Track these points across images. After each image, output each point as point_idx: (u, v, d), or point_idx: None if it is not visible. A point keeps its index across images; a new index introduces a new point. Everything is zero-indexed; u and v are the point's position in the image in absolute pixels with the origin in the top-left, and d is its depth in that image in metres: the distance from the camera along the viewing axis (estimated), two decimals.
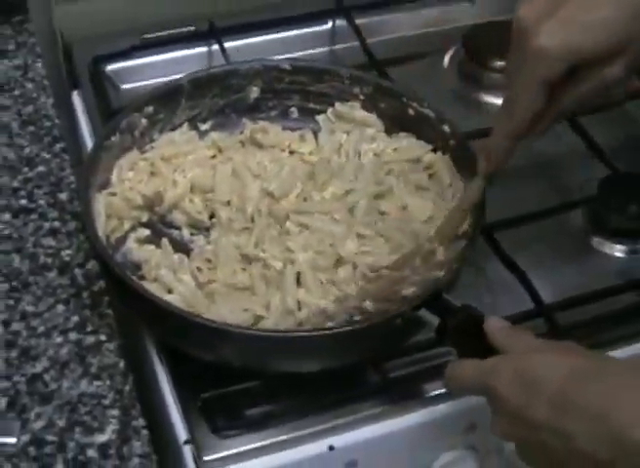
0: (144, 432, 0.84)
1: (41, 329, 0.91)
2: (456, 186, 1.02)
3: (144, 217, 1.01)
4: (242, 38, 1.29)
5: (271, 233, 0.98)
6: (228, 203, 1.01)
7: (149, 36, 1.28)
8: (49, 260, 0.97)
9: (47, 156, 1.07)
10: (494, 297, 1.02)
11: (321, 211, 1.00)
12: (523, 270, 1.02)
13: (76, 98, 1.24)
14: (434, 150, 1.05)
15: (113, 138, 1.01)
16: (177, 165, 1.04)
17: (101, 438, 0.84)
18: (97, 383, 0.88)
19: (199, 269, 0.95)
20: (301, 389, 0.93)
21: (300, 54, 1.28)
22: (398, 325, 0.88)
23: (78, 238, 0.99)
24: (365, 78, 1.10)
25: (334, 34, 1.34)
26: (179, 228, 1.02)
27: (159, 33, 1.28)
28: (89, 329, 0.92)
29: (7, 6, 1.24)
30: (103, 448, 0.83)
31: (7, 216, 1.01)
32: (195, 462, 0.88)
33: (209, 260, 0.97)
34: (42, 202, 1.03)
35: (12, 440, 0.83)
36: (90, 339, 0.91)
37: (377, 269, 0.94)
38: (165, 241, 0.98)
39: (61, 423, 0.85)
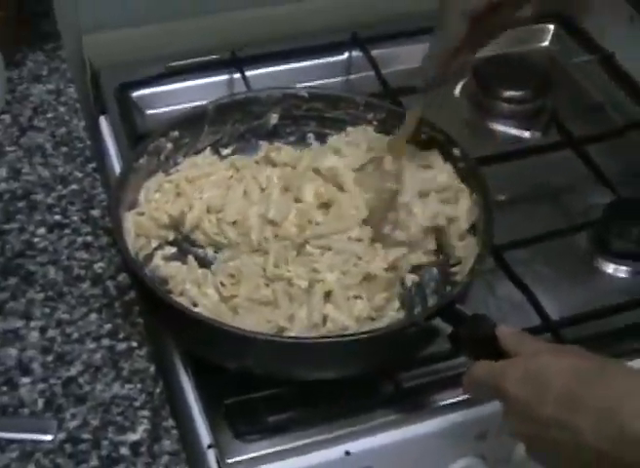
0: (174, 431, 0.88)
1: (75, 335, 0.95)
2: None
3: (170, 236, 1.06)
4: (262, 67, 1.34)
5: (291, 254, 1.02)
6: (234, 223, 1.06)
7: (174, 64, 1.32)
8: (82, 272, 1.01)
9: (79, 175, 1.11)
10: (503, 314, 1.04)
11: (337, 231, 1.04)
12: (530, 288, 1.06)
13: (104, 123, 1.28)
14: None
15: (141, 161, 1.05)
16: (199, 186, 1.08)
17: (133, 437, 0.88)
18: (128, 386, 0.92)
19: (222, 284, 1.00)
20: (320, 397, 0.96)
21: (318, 82, 1.33)
22: (413, 334, 0.91)
23: (110, 252, 1.03)
24: (378, 104, 1.15)
25: (349, 64, 1.38)
26: (202, 246, 1.06)
27: (183, 61, 1.33)
28: (121, 336, 0.96)
29: (41, 34, 1.29)
30: (135, 447, 0.87)
31: (42, 231, 1.05)
32: (218, 465, 0.92)
33: (232, 276, 1.01)
34: (75, 218, 1.07)
35: (48, 437, 0.87)
36: (122, 346, 0.95)
37: None
38: (191, 258, 1.03)
39: (95, 423, 0.89)
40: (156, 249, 1.04)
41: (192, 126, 1.10)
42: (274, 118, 1.14)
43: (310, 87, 1.19)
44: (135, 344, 0.95)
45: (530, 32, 1.43)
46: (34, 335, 0.95)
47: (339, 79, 1.38)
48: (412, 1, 1.40)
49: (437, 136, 1.09)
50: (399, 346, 0.94)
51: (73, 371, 0.92)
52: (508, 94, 1.31)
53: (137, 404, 0.90)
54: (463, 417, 0.98)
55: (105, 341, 0.95)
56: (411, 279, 1.03)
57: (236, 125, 1.13)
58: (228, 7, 1.36)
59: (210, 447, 0.93)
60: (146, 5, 1.33)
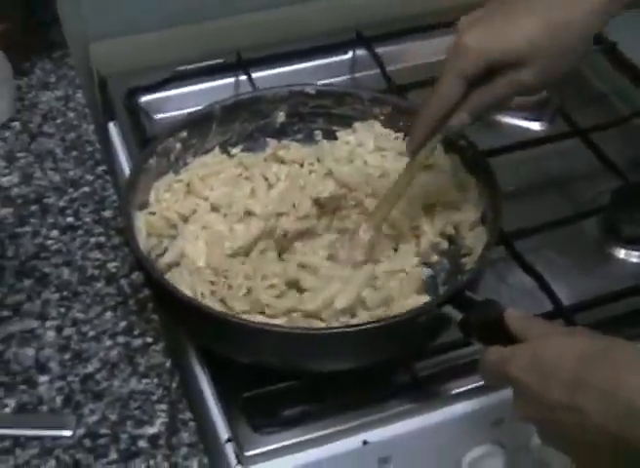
0: (192, 424, 0.89)
1: (91, 333, 0.97)
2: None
3: None
4: (268, 68, 1.35)
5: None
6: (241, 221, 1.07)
7: (180, 69, 1.33)
8: (96, 272, 1.02)
9: (90, 178, 1.13)
10: (514, 302, 1.03)
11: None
12: (541, 274, 1.06)
13: (112, 129, 1.30)
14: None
15: (150, 162, 1.06)
16: (208, 184, 1.09)
17: (151, 430, 0.89)
18: (145, 381, 0.93)
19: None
20: (336, 388, 0.97)
21: (324, 82, 1.32)
22: (424, 321, 0.92)
23: (122, 251, 1.04)
24: (384, 99, 1.16)
25: (355, 63, 1.40)
26: None
27: (190, 66, 1.34)
28: (136, 332, 0.97)
29: (48, 43, 1.31)
30: (154, 439, 0.88)
31: (55, 233, 1.06)
32: (237, 458, 0.92)
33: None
34: (87, 219, 1.08)
35: (68, 433, 0.88)
36: (137, 342, 0.96)
37: None
38: None
39: (114, 417, 0.89)
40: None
41: (200, 126, 1.11)
42: (281, 116, 1.15)
43: (316, 83, 1.19)
44: (150, 340, 0.96)
45: None
46: (50, 335, 0.96)
47: (344, 78, 1.39)
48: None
49: None
50: (412, 335, 0.94)
51: (90, 368, 0.93)
52: None
53: (154, 398, 0.91)
54: (479, 404, 0.98)
55: (121, 338, 0.96)
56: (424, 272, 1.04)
57: (244, 124, 1.14)
58: (232, 11, 1.37)
59: (228, 440, 0.93)
60: (150, 12, 1.35)
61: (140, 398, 0.91)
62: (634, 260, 1.13)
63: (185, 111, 1.21)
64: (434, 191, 1.08)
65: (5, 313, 0.98)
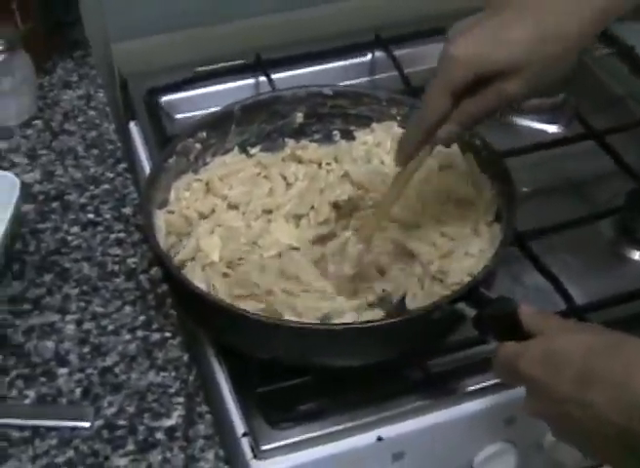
0: (208, 416, 0.90)
1: (110, 327, 0.98)
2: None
3: None
4: (287, 70, 1.36)
5: None
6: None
7: (201, 69, 1.35)
8: (116, 267, 1.04)
9: (111, 175, 1.15)
10: (529, 302, 1.05)
11: None
12: (555, 274, 1.07)
13: (133, 129, 1.31)
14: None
15: (170, 161, 1.07)
16: (227, 183, 1.11)
17: (168, 422, 0.90)
18: (163, 374, 0.94)
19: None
20: (350, 384, 0.98)
21: (342, 83, 1.33)
22: (438, 318, 0.93)
23: (142, 247, 1.06)
24: (401, 100, 1.17)
25: (373, 65, 1.41)
26: None
27: (210, 66, 1.36)
28: (154, 326, 0.98)
29: (70, 43, 1.33)
30: (171, 431, 0.89)
31: (76, 229, 1.08)
32: (253, 452, 0.94)
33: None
34: (108, 216, 1.10)
35: (86, 424, 0.90)
36: (155, 336, 0.97)
37: None
38: None
39: (131, 409, 0.91)
40: None
41: (219, 126, 1.13)
42: (299, 117, 1.17)
43: (334, 84, 1.20)
44: (168, 334, 0.98)
45: None
46: (70, 328, 0.98)
47: (363, 79, 1.40)
48: (432, 2, 1.43)
49: None
50: (426, 331, 0.96)
51: (109, 362, 0.95)
52: None
53: (171, 391, 0.93)
54: (492, 402, 0.99)
55: (140, 332, 0.98)
56: None
57: (262, 125, 1.16)
58: (252, 12, 1.39)
59: (245, 435, 0.94)
60: (172, 12, 1.36)
61: (157, 391, 0.93)
62: None
63: (205, 111, 1.22)
64: (451, 190, 1.09)
65: (26, 306, 1.00)
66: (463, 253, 1.03)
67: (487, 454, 1.02)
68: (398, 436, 0.97)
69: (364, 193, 1.09)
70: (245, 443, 0.94)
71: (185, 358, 0.95)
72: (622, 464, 0.77)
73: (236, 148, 1.14)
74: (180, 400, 0.92)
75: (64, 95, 1.25)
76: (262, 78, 1.34)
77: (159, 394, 0.92)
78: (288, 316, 0.96)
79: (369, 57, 1.41)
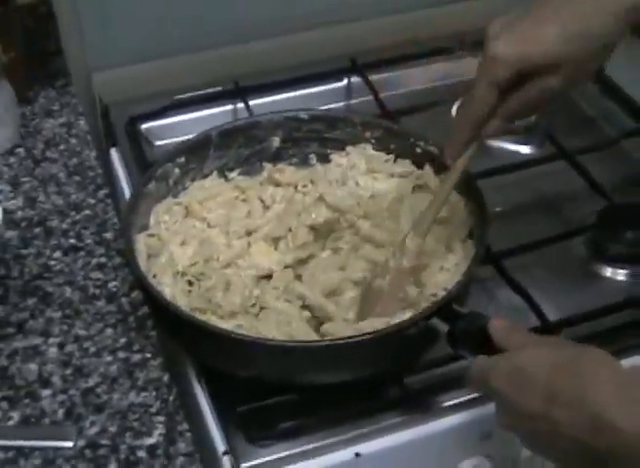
0: (188, 434, 0.92)
1: (92, 349, 1.00)
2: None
3: None
4: (265, 96, 1.38)
5: None
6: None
7: (180, 97, 1.37)
8: (97, 291, 1.06)
9: (92, 201, 1.17)
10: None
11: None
12: (528, 291, 1.09)
13: (114, 155, 1.33)
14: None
15: (150, 186, 1.09)
16: (206, 207, 1.13)
17: (150, 440, 0.92)
18: (144, 394, 0.96)
19: None
20: (328, 402, 0.99)
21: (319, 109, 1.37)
22: (413, 334, 0.94)
23: (123, 271, 1.08)
24: (375, 123, 1.19)
25: (349, 90, 1.43)
26: None
27: (189, 94, 1.38)
28: (135, 348, 1.00)
29: (51, 72, 1.35)
30: (152, 450, 0.91)
31: (58, 254, 1.10)
32: None
33: None
34: (89, 241, 1.12)
35: (69, 444, 0.91)
36: (136, 357, 0.99)
37: None
38: None
39: (113, 429, 0.93)
40: None
41: (198, 152, 1.15)
42: (276, 141, 1.19)
43: (309, 109, 1.21)
44: (149, 355, 0.99)
45: None
46: (53, 351, 1.00)
47: (340, 104, 1.43)
48: (407, 28, 1.45)
49: (431, 149, 1.14)
50: (402, 347, 0.97)
51: (91, 383, 0.97)
52: None
53: (152, 410, 0.94)
54: (468, 417, 1.01)
55: (121, 354, 0.99)
56: None
57: (240, 149, 1.18)
58: (230, 40, 1.41)
59: (225, 453, 0.96)
60: (150, 42, 1.38)
61: (138, 410, 0.94)
62: (620, 278, 1.16)
63: (185, 138, 1.23)
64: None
65: (10, 330, 1.01)
66: (439, 267, 1.05)
67: None
68: (376, 452, 0.98)
69: (339, 215, 1.11)
70: (226, 461, 0.96)
71: (166, 378, 0.97)
72: None
73: (215, 173, 1.16)
74: (161, 419, 0.93)
75: (46, 123, 1.27)
76: (240, 105, 1.37)
77: (140, 413, 0.94)
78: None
79: (345, 82, 1.43)
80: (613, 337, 1.06)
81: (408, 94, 1.43)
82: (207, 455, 0.96)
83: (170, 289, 1.02)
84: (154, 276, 1.03)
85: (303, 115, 1.18)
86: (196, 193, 1.14)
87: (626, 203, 1.22)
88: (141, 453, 0.91)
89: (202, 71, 1.40)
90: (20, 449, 0.91)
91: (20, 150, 1.24)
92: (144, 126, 1.36)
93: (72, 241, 1.11)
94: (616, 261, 1.17)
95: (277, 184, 1.16)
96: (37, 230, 1.13)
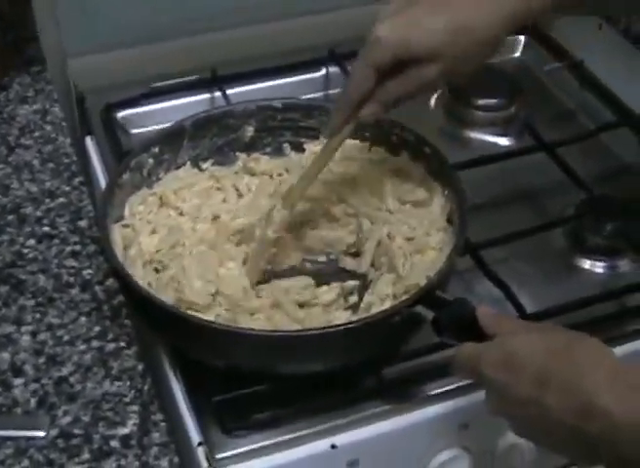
0: (163, 424, 0.91)
1: (66, 338, 0.99)
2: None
3: None
4: (242, 85, 1.37)
5: None
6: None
7: (157, 85, 1.36)
8: (71, 279, 1.05)
9: (67, 188, 1.15)
10: None
11: None
12: (506, 283, 1.09)
13: (90, 143, 1.32)
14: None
15: (125, 177, 1.08)
16: (181, 196, 1.12)
17: (123, 430, 0.91)
18: (118, 384, 0.95)
19: None
20: (305, 392, 0.98)
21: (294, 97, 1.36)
22: (396, 322, 0.94)
23: (97, 259, 1.07)
24: None
25: (327, 80, 1.42)
26: None
27: (166, 82, 1.36)
28: (109, 337, 0.99)
29: (26, 58, 1.33)
30: (125, 440, 0.90)
31: (32, 242, 1.08)
32: (208, 460, 0.94)
33: None
34: (63, 229, 1.10)
35: (41, 433, 0.90)
36: (110, 346, 0.98)
37: None
38: None
39: (87, 419, 0.91)
40: None
41: (172, 142, 1.14)
42: (250, 130, 1.18)
43: (283, 97, 1.20)
44: (123, 344, 0.98)
45: None
46: (26, 339, 0.98)
47: (318, 94, 1.41)
48: None
49: (407, 136, 1.13)
50: (385, 335, 0.97)
51: (64, 372, 0.95)
52: (482, 102, 1.35)
53: (126, 399, 0.93)
54: (446, 409, 1.00)
55: (95, 343, 0.98)
56: None
57: (214, 139, 1.17)
58: (208, 28, 1.40)
59: (200, 444, 0.95)
60: (127, 29, 1.37)
61: (112, 400, 0.93)
62: (598, 270, 1.16)
63: (161, 126, 1.22)
64: (406, 192, 1.11)
65: None
66: (425, 243, 1.06)
67: (441, 461, 1.03)
68: (352, 443, 0.98)
69: (314, 204, 1.10)
70: (200, 451, 0.95)
71: (140, 367, 0.96)
72: (582, 461, 0.81)
73: (189, 163, 1.15)
74: (135, 408, 0.92)
75: (21, 109, 1.26)
76: (218, 93, 1.35)
77: (114, 403, 0.93)
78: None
79: (323, 71, 1.42)
80: (591, 330, 1.04)
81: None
82: (182, 446, 0.95)
83: (142, 280, 1.00)
84: (128, 267, 1.01)
85: (277, 104, 1.17)
86: (171, 183, 1.13)
87: (605, 195, 1.22)
88: (115, 443, 0.90)
89: (180, 59, 1.39)
90: None
91: None
92: (120, 114, 1.34)
93: (46, 229, 1.10)
94: (594, 253, 1.17)
95: (252, 174, 1.15)
96: (10, 217, 1.11)
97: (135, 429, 0.91)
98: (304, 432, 0.97)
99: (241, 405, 0.98)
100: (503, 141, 1.34)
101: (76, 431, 0.90)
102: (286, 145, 1.19)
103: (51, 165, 1.18)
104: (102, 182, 1.23)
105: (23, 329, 0.99)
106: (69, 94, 1.36)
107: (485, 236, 1.14)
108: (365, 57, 0.95)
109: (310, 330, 0.97)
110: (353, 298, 1.05)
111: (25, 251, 1.07)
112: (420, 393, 1.01)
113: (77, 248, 1.08)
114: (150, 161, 1.11)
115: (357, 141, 1.16)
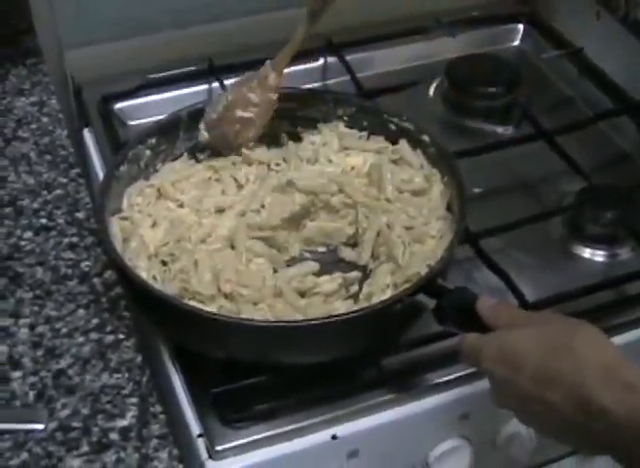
0: (162, 416, 0.91)
1: (64, 330, 0.98)
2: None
3: None
4: (239, 75, 1.33)
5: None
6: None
7: (154, 76, 1.35)
8: (69, 271, 1.04)
9: (64, 180, 1.15)
10: None
11: None
12: (506, 272, 1.08)
13: (87, 135, 1.31)
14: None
15: (122, 169, 1.08)
16: (179, 188, 1.11)
17: (122, 423, 0.90)
18: (116, 376, 0.94)
19: None
20: (305, 383, 0.98)
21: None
22: (398, 311, 0.93)
23: (95, 251, 1.06)
24: (347, 100, 1.18)
25: (325, 70, 1.42)
26: None
27: (163, 73, 1.36)
28: (108, 329, 0.99)
29: (23, 50, 1.33)
30: (124, 432, 0.90)
31: (29, 234, 1.08)
32: (208, 452, 0.94)
33: None
34: (61, 221, 1.10)
35: (40, 426, 0.90)
36: (109, 338, 0.98)
37: None
38: None
39: (85, 411, 0.91)
40: None
41: (168, 133, 1.13)
42: None
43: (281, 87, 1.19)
44: (122, 336, 0.98)
45: (500, 33, 1.48)
46: (24, 332, 0.98)
47: (315, 85, 1.41)
48: (382, 9, 1.44)
49: (406, 124, 1.13)
50: (387, 324, 0.96)
51: (63, 364, 0.95)
52: (481, 90, 1.35)
53: (125, 392, 0.93)
54: (446, 399, 1.00)
55: (93, 335, 0.98)
56: None
57: None
58: (205, 19, 1.39)
59: (200, 436, 0.95)
60: (124, 20, 1.36)
61: (111, 392, 0.93)
62: (598, 259, 1.16)
63: (158, 118, 1.21)
64: (405, 181, 1.10)
65: None
66: (424, 232, 1.05)
67: (442, 451, 1.03)
68: (352, 434, 0.98)
69: (314, 197, 1.09)
70: (200, 443, 0.95)
71: (139, 359, 0.96)
72: (584, 449, 0.82)
73: (185, 154, 1.15)
74: (134, 400, 0.92)
75: (18, 102, 1.26)
76: (215, 84, 1.35)
77: (113, 395, 0.93)
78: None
79: (321, 61, 1.42)
80: (591, 318, 1.04)
81: (385, 74, 1.42)
82: (181, 438, 0.95)
83: (146, 273, 1.00)
84: (129, 260, 1.00)
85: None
86: (168, 175, 1.12)
87: (605, 183, 1.22)
88: (114, 436, 0.89)
89: (177, 50, 1.38)
90: None
91: None
92: (118, 105, 1.33)
93: (43, 221, 1.10)
94: (594, 242, 1.16)
95: (250, 164, 1.14)
96: (7, 210, 1.11)
97: (134, 421, 0.90)
98: (305, 423, 0.97)
99: (241, 396, 0.97)
100: (502, 130, 1.34)
101: (75, 424, 0.90)
102: (283, 135, 1.18)
103: (48, 157, 1.18)
104: (100, 174, 1.23)
105: (21, 321, 0.99)
106: (66, 86, 1.36)
107: (484, 225, 1.13)
108: None
109: (311, 320, 0.96)
110: (354, 288, 1.04)
111: (23, 243, 1.07)
112: (420, 383, 1.00)
113: (75, 240, 1.08)
114: (147, 152, 1.11)
115: (355, 130, 1.16)
